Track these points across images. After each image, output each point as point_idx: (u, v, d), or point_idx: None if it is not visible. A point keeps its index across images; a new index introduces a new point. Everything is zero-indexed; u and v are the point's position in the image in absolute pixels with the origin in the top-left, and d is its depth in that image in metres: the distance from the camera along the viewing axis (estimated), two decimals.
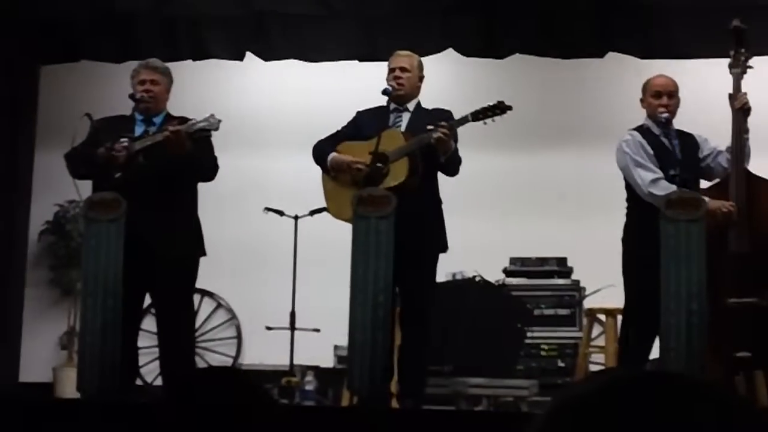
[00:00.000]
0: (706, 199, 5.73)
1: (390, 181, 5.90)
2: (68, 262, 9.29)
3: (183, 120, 6.03)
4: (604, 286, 7.25)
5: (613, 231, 6.04)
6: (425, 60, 7.72)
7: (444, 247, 6.07)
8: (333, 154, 6.10)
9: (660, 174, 5.82)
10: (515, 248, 8.59)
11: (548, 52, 8.53)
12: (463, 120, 5.93)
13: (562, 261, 8.46)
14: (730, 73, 6.06)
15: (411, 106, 6.22)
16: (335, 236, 6.20)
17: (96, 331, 5.80)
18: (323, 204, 6.29)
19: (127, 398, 5.88)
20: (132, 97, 6.13)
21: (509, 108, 5.98)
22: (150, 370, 8.12)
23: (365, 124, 6.18)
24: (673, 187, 5.63)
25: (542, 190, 9.16)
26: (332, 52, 8.71)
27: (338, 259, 6.08)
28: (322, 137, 6.25)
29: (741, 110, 5.94)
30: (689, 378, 1.27)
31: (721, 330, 5.58)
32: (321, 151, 6.19)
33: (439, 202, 6.11)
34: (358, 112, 6.32)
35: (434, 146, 5.84)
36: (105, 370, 5.77)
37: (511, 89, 8.21)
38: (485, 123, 5.98)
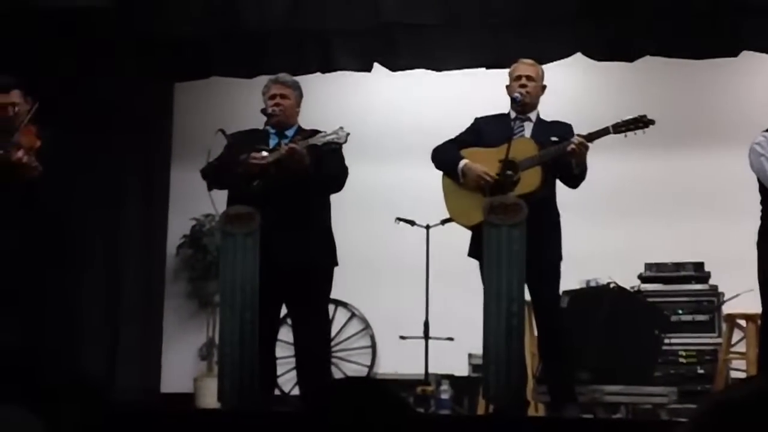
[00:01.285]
0: None
1: (520, 189, 5.89)
2: (205, 275, 9.47)
3: (314, 133, 6.11)
4: (744, 290, 7.09)
5: (753, 234, 5.92)
6: (553, 66, 7.71)
7: (560, 256, 6.05)
8: (466, 161, 6.11)
9: None
10: (650, 254, 8.47)
11: (680, 53, 8.40)
12: (603, 132, 5.90)
13: (699, 266, 8.30)
14: None
15: (533, 116, 6.21)
16: (467, 245, 6.20)
17: (234, 343, 5.91)
18: (448, 212, 6.31)
19: (265, 408, 5.97)
20: (264, 111, 6.24)
21: (651, 122, 5.93)
22: (287, 380, 8.23)
23: (486, 132, 6.19)
24: None
25: (677, 194, 9.02)
26: (459, 60, 8.72)
27: (471, 267, 6.08)
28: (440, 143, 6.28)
29: None
30: None
31: None
32: (445, 156, 6.20)
33: (558, 213, 6.09)
34: (477, 119, 6.33)
35: (569, 157, 5.82)
36: (244, 381, 5.87)
37: (642, 92, 8.14)
38: (625, 136, 5.93)
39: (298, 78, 6.69)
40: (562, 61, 8.31)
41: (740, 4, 8.03)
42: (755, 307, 6.01)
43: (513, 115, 6.19)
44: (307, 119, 6.46)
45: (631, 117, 5.92)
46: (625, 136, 5.92)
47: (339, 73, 8.98)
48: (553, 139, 5.96)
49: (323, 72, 8.91)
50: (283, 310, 6.34)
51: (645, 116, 5.91)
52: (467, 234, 6.18)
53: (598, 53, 8.53)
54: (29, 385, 2.20)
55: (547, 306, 6.03)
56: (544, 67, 6.54)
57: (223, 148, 6.20)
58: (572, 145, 5.78)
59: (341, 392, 2.40)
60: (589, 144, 5.82)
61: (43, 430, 1.48)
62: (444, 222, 7.58)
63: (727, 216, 8.51)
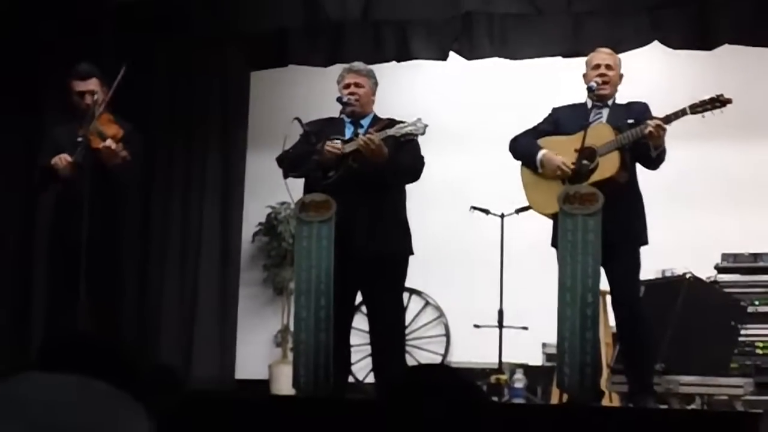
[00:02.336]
0: None
1: (599, 175, 5.87)
2: (281, 262, 9.56)
3: (390, 122, 6.13)
4: None
5: None
6: (631, 54, 7.66)
7: (645, 241, 6.02)
8: (545, 151, 6.10)
9: None
10: (727, 244, 8.39)
11: (758, 42, 8.30)
12: (681, 113, 5.85)
13: None
14: None
15: (609, 101, 6.18)
16: (542, 234, 6.20)
17: (309, 329, 5.95)
18: (525, 201, 6.31)
19: (340, 395, 6.01)
20: (339, 100, 6.26)
21: (729, 101, 5.86)
22: (361, 368, 8.28)
23: (563, 120, 6.18)
24: None
25: (755, 184, 8.92)
26: (535, 49, 8.71)
27: (545, 256, 6.08)
28: (519, 132, 6.28)
29: None
30: None
31: None
32: (523, 146, 6.21)
33: (641, 196, 6.05)
34: (554, 109, 6.32)
35: (647, 139, 5.79)
36: (318, 368, 5.92)
37: (720, 81, 8.03)
38: (703, 116, 5.87)
39: (374, 66, 6.71)
40: (639, 49, 8.26)
41: None
42: None
43: (590, 104, 6.17)
44: (383, 108, 6.48)
45: (708, 97, 5.86)
46: (703, 116, 5.86)
47: (415, 62, 8.99)
48: (630, 121, 5.92)
49: (399, 61, 8.94)
50: (359, 298, 6.37)
51: (722, 95, 5.85)
52: (541, 223, 6.17)
53: (676, 41, 8.46)
54: (113, 373, 2.25)
55: (626, 295, 5.99)
56: (622, 55, 6.50)
57: (299, 136, 6.25)
58: (649, 128, 5.75)
59: (416, 379, 2.42)
60: (667, 126, 5.78)
61: (146, 417, 1.52)
62: (518, 211, 7.58)
63: None
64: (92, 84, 6.48)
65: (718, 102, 5.85)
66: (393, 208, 6.17)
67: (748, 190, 8.94)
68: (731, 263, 8.23)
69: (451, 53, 8.85)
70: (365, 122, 6.28)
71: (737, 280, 8.11)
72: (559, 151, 6.04)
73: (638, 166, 6.07)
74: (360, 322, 6.52)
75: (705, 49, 8.43)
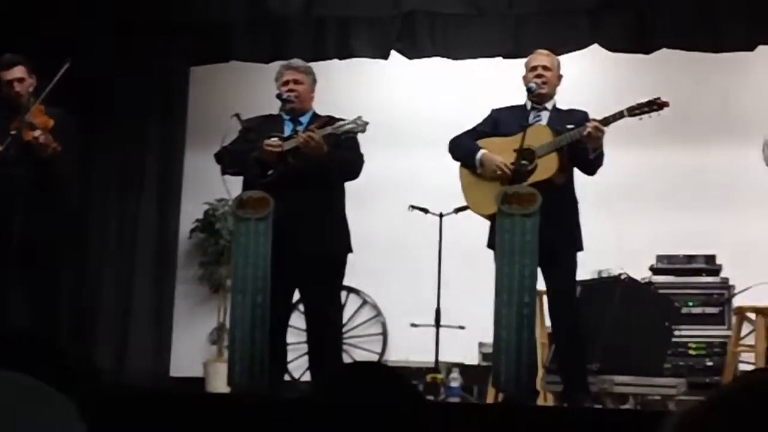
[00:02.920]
0: None
1: (538, 176, 5.90)
2: (218, 260, 9.50)
3: (330, 120, 6.12)
4: (755, 283, 7.09)
5: (764, 227, 5.92)
6: (570, 56, 7.71)
7: (581, 246, 6.07)
8: (483, 152, 6.13)
9: None
10: (663, 246, 8.48)
11: (696, 46, 8.39)
12: (618, 115, 5.90)
13: (710, 258, 8.30)
14: None
15: (549, 105, 6.23)
16: (480, 234, 6.22)
17: (245, 327, 5.93)
18: (463, 201, 6.32)
19: (275, 393, 5.99)
20: (279, 97, 6.25)
21: (666, 104, 5.92)
22: (297, 366, 8.26)
23: (503, 122, 6.21)
24: None
25: (690, 187, 9.01)
26: (477, 50, 8.73)
27: (483, 256, 6.10)
28: (458, 133, 6.30)
29: None
30: None
31: None
32: (463, 146, 6.23)
33: (576, 200, 6.10)
34: (494, 110, 6.35)
35: (584, 142, 5.83)
36: (254, 366, 5.89)
37: (658, 84, 8.10)
38: (641, 119, 5.93)
39: (316, 64, 6.69)
40: (579, 52, 8.32)
41: None
42: (766, 300, 6.02)
43: (529, 105, 6.20)
44: (323, 105, 6.47)
45: (645, 100, 5.92)
46: (640, 119, 5.92)
47: (357, 60, 8.99)
48: (569, 126, 5.98)
49: (341, 59, 8.93)
50: (297, 297, 6.35)
51: (659, 98, 5.92)
52: (480, 223, 6.20)
53: (615, 44, 8.53)
54: (46, 366, 2.22)
55: (562, 295, 6.03)
56: (562, 57, 6.55)
57: (238, 132, 6.21)
58: (588, 129, 5.79)
59: (352, 377, 2.42)
60: (605, 128, 5.83)
61: (74, 410, 1.49)
62: (457, 210, 7.59)
63: (740, 209, 8.52)
64: (18, 72, 6.43)
65: (655, 105, 5.92)
66: (332, 206, 6.16)
67: (685, 192, 9.03)
68: (665, 264, 8.33)
69: (393, 52, 8.85)
70: (304, 119, 6.27)
71: (672, 282, 8.21)
72: (498, 152, 6.06)
73: (575, 171, 6.12)
74: (297, 320, 6.50)
75: (643, 53, 8.51)
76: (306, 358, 6.43)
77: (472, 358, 8.50)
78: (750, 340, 7.79)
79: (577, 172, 6.14)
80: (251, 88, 8.79)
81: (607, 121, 5.86)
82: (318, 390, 2.64)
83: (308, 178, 5.97)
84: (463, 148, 6.23)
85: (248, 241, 5.97)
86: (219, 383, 8.38)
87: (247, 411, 5.14)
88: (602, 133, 5.83)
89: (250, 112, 6.39)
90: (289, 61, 6.52)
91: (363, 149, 6.23)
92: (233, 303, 6.09)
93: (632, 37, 8.45)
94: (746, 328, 7.81)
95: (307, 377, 7.43)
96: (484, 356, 8.28)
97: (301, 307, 6.33)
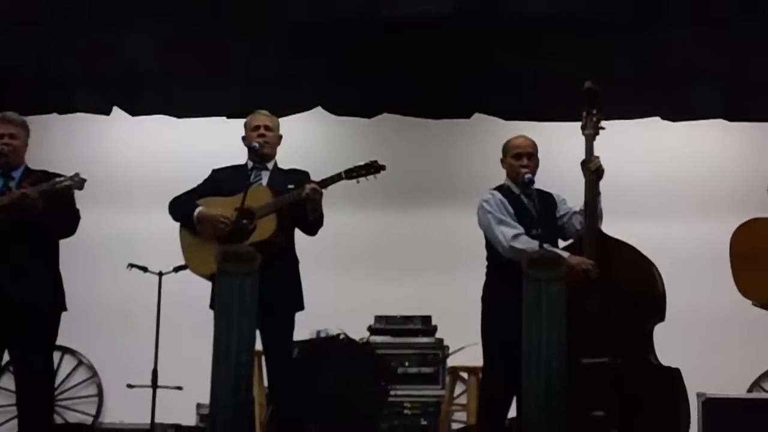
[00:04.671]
0: (566, 254, 5.83)
1: (257, 237, 5.92)
2: None
3: (44, 175, 5.97)
4: (468, 344, 7.32)
5: (478, 289, 6.12)
6: (294, 118, 7.83)
7: (301, 306, 6.14)
8: (201, 208, 6.10)
9: (521, 229, 5.91)
10: (382, 307, 8.63)
11: (415, 112, 8.67)
12: (336, 177, 6.00)
13: (426, 319, 8.50)
14: (583, 134, 6.07)
15: (270, 165, 6.29)
16: (199, 293, 6.18)
17: None
18: (183, 260, 6.27)
19: None
20: None
21: (382, 168, 6.06)
22: (8, 429, 7.96)
23: (223, 182, 6.22)
24: (535, 243, 5.66)
25: (408, 249, 9.26)
26: (199, 109, 8.70)
27: (202, 316, 6.05)
28: (178, 193, 6.27)
29: (595, 173, 5.96)
30: None
31: (579, 390, 5.66)
32: (182, 206, 6.19)
33: (297, 261, 6.17)
34: (214, 171, 6.36)
35: (303, 203, 5.91)
36: None
37: (379, 148, 8.31)
38: (358, 182, 6.05)
39: (35, 118, 6.52)
40: (303, 114, 8.45)
41: (473, 70, 8.41)
42: (478, 360, 6.22)
43: (250, 165, 6.23)
44: (39, 159, 6.30)
45: (362, 163, 6.06)
46: (358, 181, 6.05)
47: (78, 115, 8.80)
48: (290, 186, 6.04)
49: (61, 113, 8.72)
50: (6, 357, 6.13)
51: (376, 162, 6.06)
52: (199, 282, 6.15)
53: (337, 108, 8.69)
54: None
55: (279, 355, 6.05)
56: (285, 119, 6.62)
57: None
58: (306, 191, 5.89)
59: None
60: (323, 190, 5.93)
61: None
62: (177, 269, 7.53)
63: (454, 271, 8.78)
64: None
65: (372, 168, 6.06)
66: (45, 262, 5.98)
67: (402, 254, 9.27)
68: (384, 325, 8.49)
69: (115, 108, 8.71)
70: (17, 174, 6.07)
71: (389, 342, 8.36)
72: (220, 212, 6.05)
73: (297, 232, 6.18)
74: (8, 381, 6.27)
75: (365, 117, 8.72)
76: (17, 421, 6.20)
77: (190, 419, 8.40)
78: (463, 400, 8.04)
79: (298, 232, 6.20)
80: None
81: (325, 183, 5.96)
82: None
83: (20, 234, 5.78)
84: (182, 208, 6.19)
85: None
86: None
87: None
88: (320, 195, 5.92)
89: None
90: (3, 113, 6.31)
91: (83, 205, 6.09)
92: None
93: (354, 101, 8.64)
94: (459, 387, 8.07)
95: None
96: (201, 417, 8.21)
97: (11, 367, 6.09)
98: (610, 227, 6.09)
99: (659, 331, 6.01)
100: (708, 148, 9.55)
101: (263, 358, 6.23)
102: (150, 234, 8.52)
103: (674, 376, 5.93)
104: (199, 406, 8.30)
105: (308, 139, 8.69)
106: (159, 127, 9.19)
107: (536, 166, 6.15)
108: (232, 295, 5.65)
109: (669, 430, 5.89)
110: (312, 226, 6.12)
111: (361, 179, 6.04)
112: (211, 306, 5.98)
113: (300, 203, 5.95)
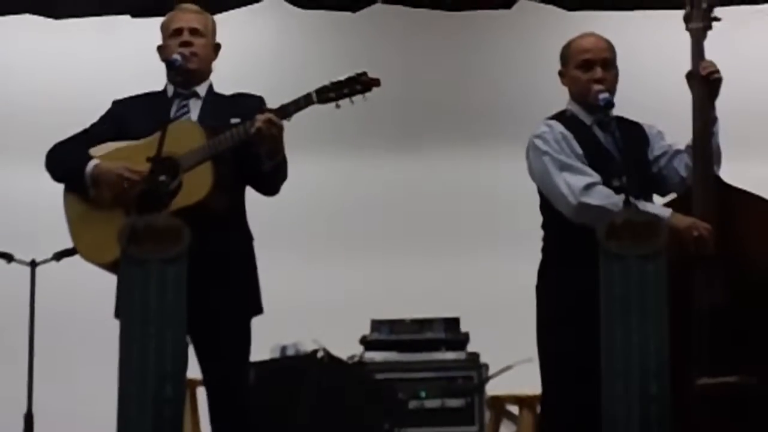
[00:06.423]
0: (667, 213, 5.78)
1: (183, 200, 5.88)
2: None
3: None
4: (517, 361, 7.33)
5: (530, 274, 6.10)
6: (239, 13, 7.80)
7: (258, 308, 6.12)
8: (95, 162, 6.04)
9: (597, 177, 5.84)
10: (382, 305, 8.62)
11: (424, 1, 8.66)
12: (304, 101, 5.91)
13: (451, 324, 8.43)
14: (687, 28, 6.04)
15: (202, 90, 6.22)
16: (95, 293, 6.19)
17: None
18: (71, 242, 6.25)
19: None
20: None
21: (374, 83, 5.98)
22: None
23: (132, 118, 6.16)
24: (618, 198, 5.62)
25: (418, 213, 9.28)
26: (87, 3, 8.71)
27: (101, 329, 6.06)
28: (63, 138, 6.23)
29: (708, 87, 5.94)
30: None
31: (691, 422, 5.66)
32: (68, 159, 6.15)
33: (250, 236, 6.14)
34: (115, 102, 6.31)
35: (254, 144, 5.86)
36: None
37: (370, 56, 8.30)
38: (338, 106, 5.99)
39: None
40: (251, 7, 8.44)
41: None
42: (532, 386, 6.23)
43: (171, 90, 6.20)
44: None
45: (343, 77, 5.97)
46: (338, 106, 5.96)
47: None
48: (234, 120, 5.96)
49: None
50: None
51: (365, 74, 5.98)
52: (96, 275, 6.13)
53: None
54: None
55: (225, 382, 6.05)
56: (224, 16, 6.60)
57: None
58: (257, 124, 5.79)
59: None
60: (284, 122, 5.85)
61: None
62: (59, 257, 7.55)
63: (491, 247, 8.82)
64: None
65: (358, 84, 5.95)
66: None
67: (416, 223, 9.31)
68: (385, 335, 8.42)
69: None
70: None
71: (395, 360, 8.32)
72: (126, 163, 6.00)
73: (248, 191, 6.17)
74: None
75: (348, 10, 8.74)
76: None
77: None
78: None
79: (249, 191, 6.18)
80: None
81: (287, 110, 5.86)
82: None
83: None
84: (67, 161, 6.12)
85: None
86: None
87: None
88: (279, 131, 5.84)
89: None
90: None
91: None
92: None
93: None
94: (506, 428, 8.08)
95: None
96: None
97: None
98: (730, 173, 6.07)
99: None
100: None
101: (200, 389, 6.25)
102: (16, 203, 8.54)
103: None
104: None
105: (261, 46, 8.66)
106: (26, 34, 9.18)
107: (616, 80, 6.11)
108: (147, 294, 5.65)
109: None
110: (270, 180, 6.05)
111: (343, 103, 5.99)
112: (117, 314, 5.96)
113: (250, 145, 5.90)
